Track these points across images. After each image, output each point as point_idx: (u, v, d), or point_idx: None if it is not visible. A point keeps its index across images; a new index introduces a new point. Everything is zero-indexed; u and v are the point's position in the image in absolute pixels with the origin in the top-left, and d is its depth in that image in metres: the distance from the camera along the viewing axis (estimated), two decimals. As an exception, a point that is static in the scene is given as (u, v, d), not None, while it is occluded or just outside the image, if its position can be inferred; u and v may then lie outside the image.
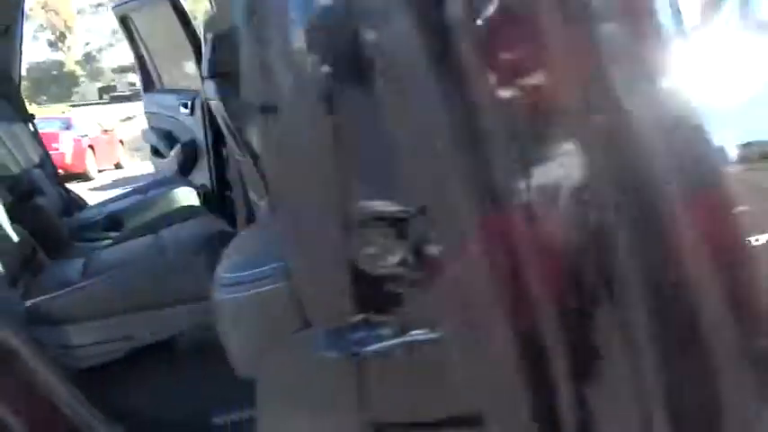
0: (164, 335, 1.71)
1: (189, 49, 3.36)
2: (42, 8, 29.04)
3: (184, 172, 3.63)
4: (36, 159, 2.76)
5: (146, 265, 1.67)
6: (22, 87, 3.43)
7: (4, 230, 1.69)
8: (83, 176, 11.93)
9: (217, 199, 3.28)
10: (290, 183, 0.40)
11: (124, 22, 3.83)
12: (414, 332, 0.35)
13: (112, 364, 1.59)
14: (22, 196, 2.37)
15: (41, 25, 29.59)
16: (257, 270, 0.41)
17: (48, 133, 11.20)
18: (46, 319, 1.55)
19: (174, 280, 1.68)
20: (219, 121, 2.91)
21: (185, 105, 3.54)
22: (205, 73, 2.79)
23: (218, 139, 3.41)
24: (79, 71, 30.42)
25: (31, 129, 3.01)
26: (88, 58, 31.25)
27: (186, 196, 2.85)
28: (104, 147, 13.51)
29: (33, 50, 28.46)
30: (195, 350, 1.78)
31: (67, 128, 12.35)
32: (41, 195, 2.51)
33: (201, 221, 2.06)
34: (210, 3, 3.08)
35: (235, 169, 3.36)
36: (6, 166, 2.36)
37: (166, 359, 1.71)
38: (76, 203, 3.09)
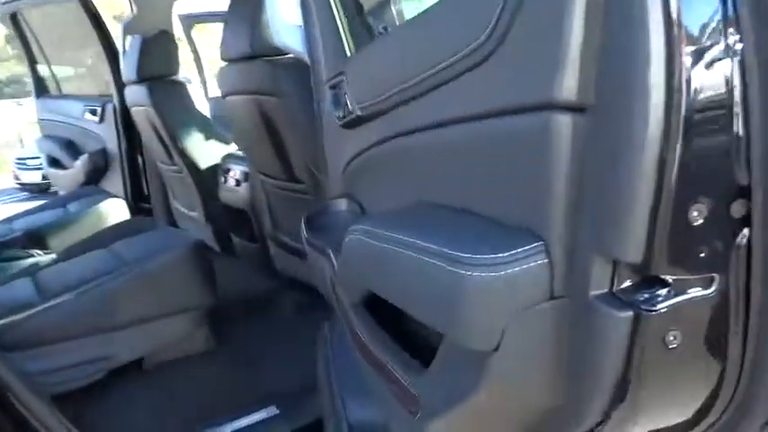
0: (144, 352, 1.62)
1: (99, 51, 3.15)
2: None
3: (91, 183, 3.39)
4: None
5: (120, 282, 1.55)
6: None
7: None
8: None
9: (133, 209, 3.10)
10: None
11: (14, 19, 3.50)
12: (691, 291, 0.42)
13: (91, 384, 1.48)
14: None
15: None
16: (520, 250, 0.46)
17: None
18: (13, 344, 1.40)
19: (154, 294, 1.59)
20: (144, 128, 2.77)
21: (93, 112, 3.31)
22: (131, 77, 2.65)
23: (132, 147, 3.24)
24: None
25: None
26: None
27: (117, 208, 2.66)
28: (-50, 159, 11.95)
29: None
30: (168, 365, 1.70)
31: None
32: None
33: (165, 234, 1.95)
34: (130, 4, 2.92)
35: (154, 177, 3.21)
36: None
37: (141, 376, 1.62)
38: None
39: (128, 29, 2.93)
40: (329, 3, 1.26)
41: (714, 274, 0.41)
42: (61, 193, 3.67)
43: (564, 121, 0.44)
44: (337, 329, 1.25)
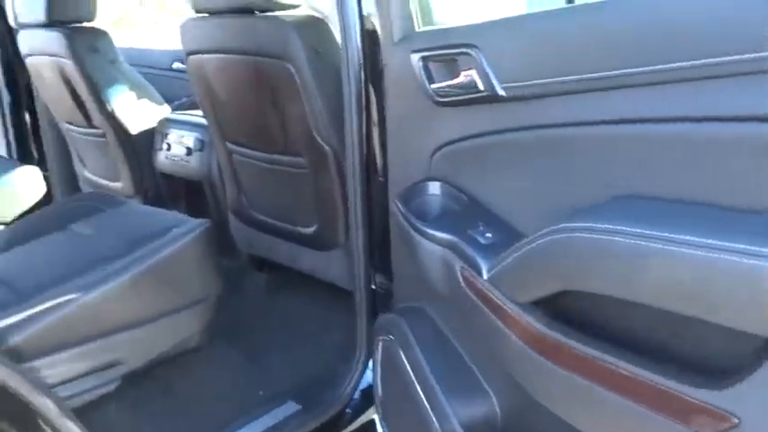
0: (155, 353, 1.36)
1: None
2: None
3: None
4: None
5: (127, 276, 1.24)
6: None
7: None
8: None
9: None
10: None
11: None
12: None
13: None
14: None
15: None
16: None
17: None
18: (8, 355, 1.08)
19: (161, 287, 1.34)
20: (49, 82, 2.32)
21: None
22: (32, 19, 2.18)
23: (18, 102, 2.71)
24: None
25: None
26: None
27: (33, 179, 2.21)
28: None
29: None
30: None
31: None
32: None
33: (151, 213, 1.60)
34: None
35: (53, 141, 2.72)
36: None
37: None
38: None
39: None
40: None
41: None
42: None
43: None
44: (420, 325, 1.17)
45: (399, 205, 1.09)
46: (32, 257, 1.40)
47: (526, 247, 0.81)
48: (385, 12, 1.16)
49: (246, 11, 1.55)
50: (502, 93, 0.90)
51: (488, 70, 0.91)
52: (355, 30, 1.30)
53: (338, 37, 1.58)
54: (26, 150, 2.78)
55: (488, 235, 0.94)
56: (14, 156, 2.75)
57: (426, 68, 1.05)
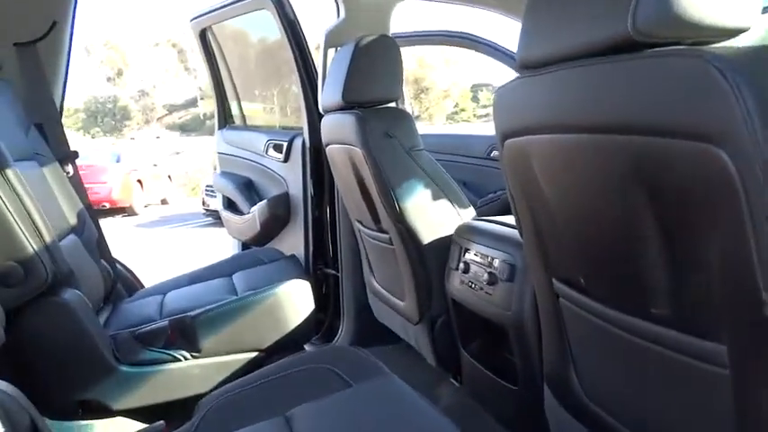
0: None
1: (294, 72, 2.42)
2: (104, 45, 30.17)
3: (267, 236, 2.67)
4: (72, 220, 1.82)
5: None
6: (78, 119, 2.51)
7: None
8: (128, 211, 11.55)
9: (311, 278, 2.24)
10: None
11: (203, 37, 2.96)
12: None
13: None
14: (42, 290, 1.41)
15: (102, 61, 30.63)
16: None
17: (97, 166, 10.80)
18: None
19: None
20: (344, 174, 1.94)
21: (277, 148, 2.59)
22: (333, 102, 1.83)
23: (321, 195, 2.44)
24: (132, 105, 30.85)
25: (70, 171, 2.09)
26: (142, 94, 31.69)
27: (300, 296, 1.83)
28: (152, 181, 12.94)
29: (92, 85, 29.49)
30: None
31: (117, 161, 11.89)
32: (68, 285, 1.54)
33: (402, 403, 0.96)
34: (337, 6, 2.15)
35: (347, 240, 2.37)
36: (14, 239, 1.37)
37: None
38: (127, 282, 2.13)
39: (331, 39, 2.16)
40: None
41: None
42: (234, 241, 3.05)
43: None
44: None
45: None
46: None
47: None
48: None
49: (622, 50, 0.79)
50: None
51: None
52: None
53: None
54: (323, 247, 2.50)
55: None
56: (310, 254, 2.47)
57: None
